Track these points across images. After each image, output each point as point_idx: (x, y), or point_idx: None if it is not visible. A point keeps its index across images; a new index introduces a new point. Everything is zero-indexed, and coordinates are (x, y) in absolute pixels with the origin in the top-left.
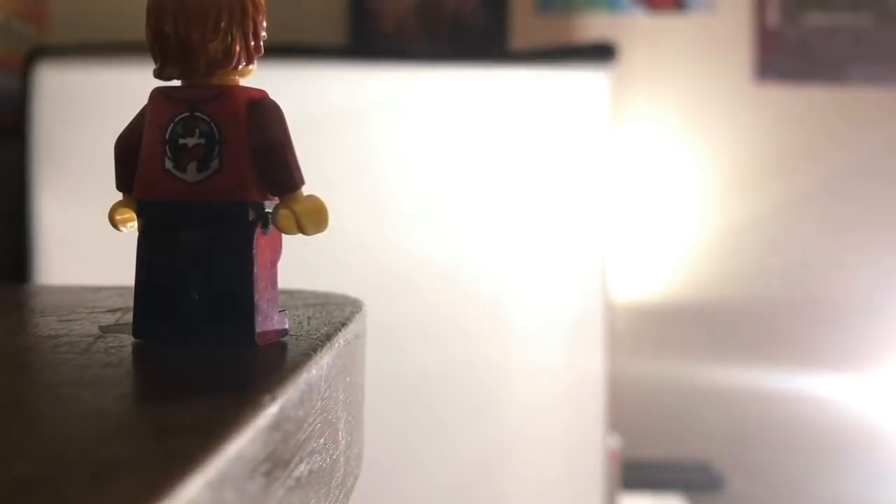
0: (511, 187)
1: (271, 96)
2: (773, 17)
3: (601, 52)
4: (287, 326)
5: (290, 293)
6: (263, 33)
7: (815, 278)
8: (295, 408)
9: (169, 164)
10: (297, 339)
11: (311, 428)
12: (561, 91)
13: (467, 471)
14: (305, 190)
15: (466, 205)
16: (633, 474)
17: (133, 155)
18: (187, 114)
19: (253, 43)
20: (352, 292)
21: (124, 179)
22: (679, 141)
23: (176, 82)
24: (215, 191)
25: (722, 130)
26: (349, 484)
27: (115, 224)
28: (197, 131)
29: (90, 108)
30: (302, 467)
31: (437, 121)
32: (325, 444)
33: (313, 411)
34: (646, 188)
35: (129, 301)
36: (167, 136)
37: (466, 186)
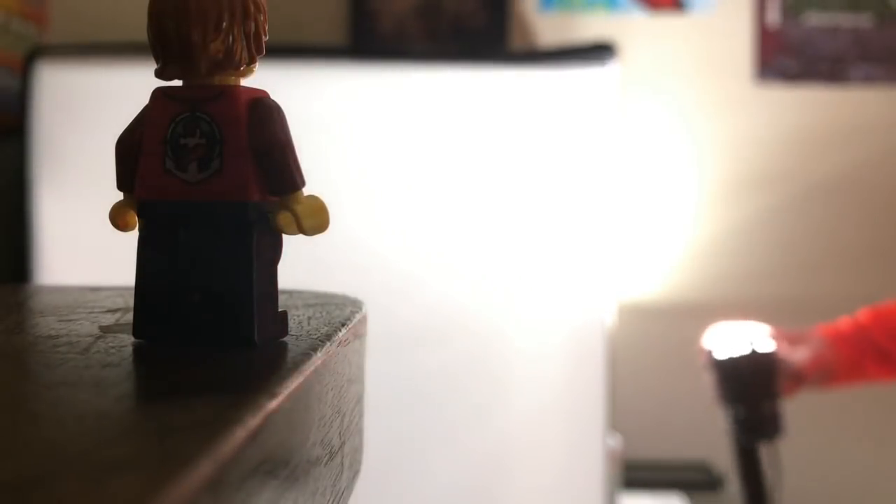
0: (512, 187)
1: (271, 96)
2: (773, 17)
3: (601, 52)
4: (287, 326)
5: (290, 293)
6: (264, 34)
7: (815, 278)
8: (295, 408)
9: (170, 164)
10: (297, 339)
11: (310, 428)
12: (563, 90)
13: (468, 470)
14: (306, 190)
15: (467, 205)
16: (633, 474)
17: (134, 155)
18: (188, 114)
19: (254, 43)
20: (352, 292)
21: (125, 179)
22: (679, 141)
23: (177, 82)
24: (216, 191)
25: (722, 130)
26: (349, 484)
27: (115, 224)
28: (198, 131)
29: (90, 108)
30: (301, 467)
31: (437, 121)
32: (324, 443)
33: (313, 411)
34: (646, 188)
35: (129, 301)
36: (168, 135)
37: (467, 186)
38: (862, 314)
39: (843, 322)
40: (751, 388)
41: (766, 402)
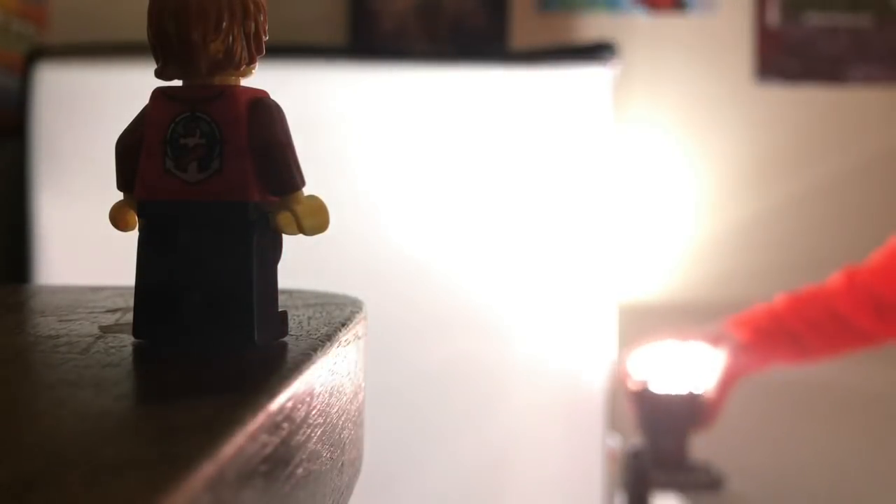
0: (512, 187)
1: (271, 96)
2: (773, 17)
3: (601, 52)
4: (287, 326)
5: (290, 293)
6: (264, 34)
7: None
8: (294, 408)
9: (170, 164)
10: (297, 339)
11: (310, 428)
12: (562, 90)
13: (468, 471)
14: (306, 190)
15: (467, 205)
16: None
17: (134, 155)
18: (188, 114)
19: (254, 43)
20: (352, 292)
21: (125, 179)
22: (679, 141)
23: (177, 82)
24: (216, 191)
25: (722, 130)
26: (349, 484)
27: (115, 224)
28: (198, 131)
29: (90, 108)
30: (301, 468)
31: (437, 121)
32: (324, 444)
33: (313, 411)
34: (646, 188)
35: (129, 301)
36: (168, 135)
37: (467, 186)
38: (778, 301)
39: (758, 310)
40: (678, 425)
41: (685, 438)
